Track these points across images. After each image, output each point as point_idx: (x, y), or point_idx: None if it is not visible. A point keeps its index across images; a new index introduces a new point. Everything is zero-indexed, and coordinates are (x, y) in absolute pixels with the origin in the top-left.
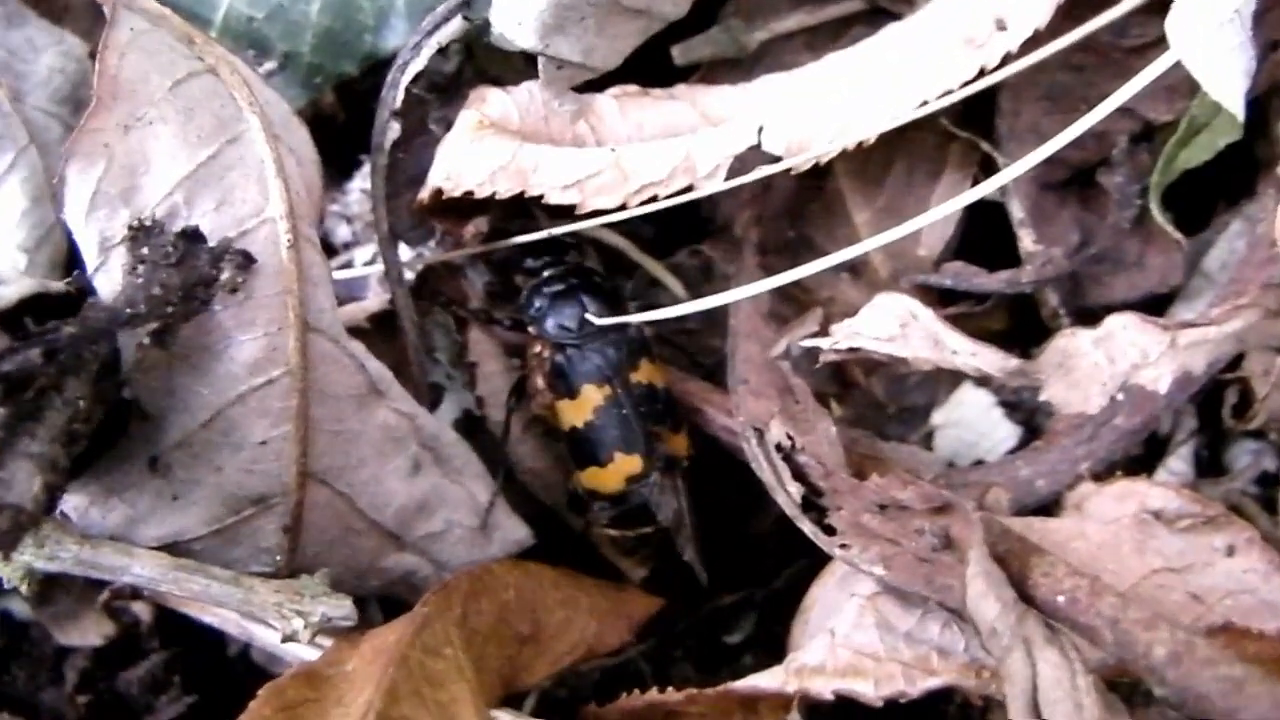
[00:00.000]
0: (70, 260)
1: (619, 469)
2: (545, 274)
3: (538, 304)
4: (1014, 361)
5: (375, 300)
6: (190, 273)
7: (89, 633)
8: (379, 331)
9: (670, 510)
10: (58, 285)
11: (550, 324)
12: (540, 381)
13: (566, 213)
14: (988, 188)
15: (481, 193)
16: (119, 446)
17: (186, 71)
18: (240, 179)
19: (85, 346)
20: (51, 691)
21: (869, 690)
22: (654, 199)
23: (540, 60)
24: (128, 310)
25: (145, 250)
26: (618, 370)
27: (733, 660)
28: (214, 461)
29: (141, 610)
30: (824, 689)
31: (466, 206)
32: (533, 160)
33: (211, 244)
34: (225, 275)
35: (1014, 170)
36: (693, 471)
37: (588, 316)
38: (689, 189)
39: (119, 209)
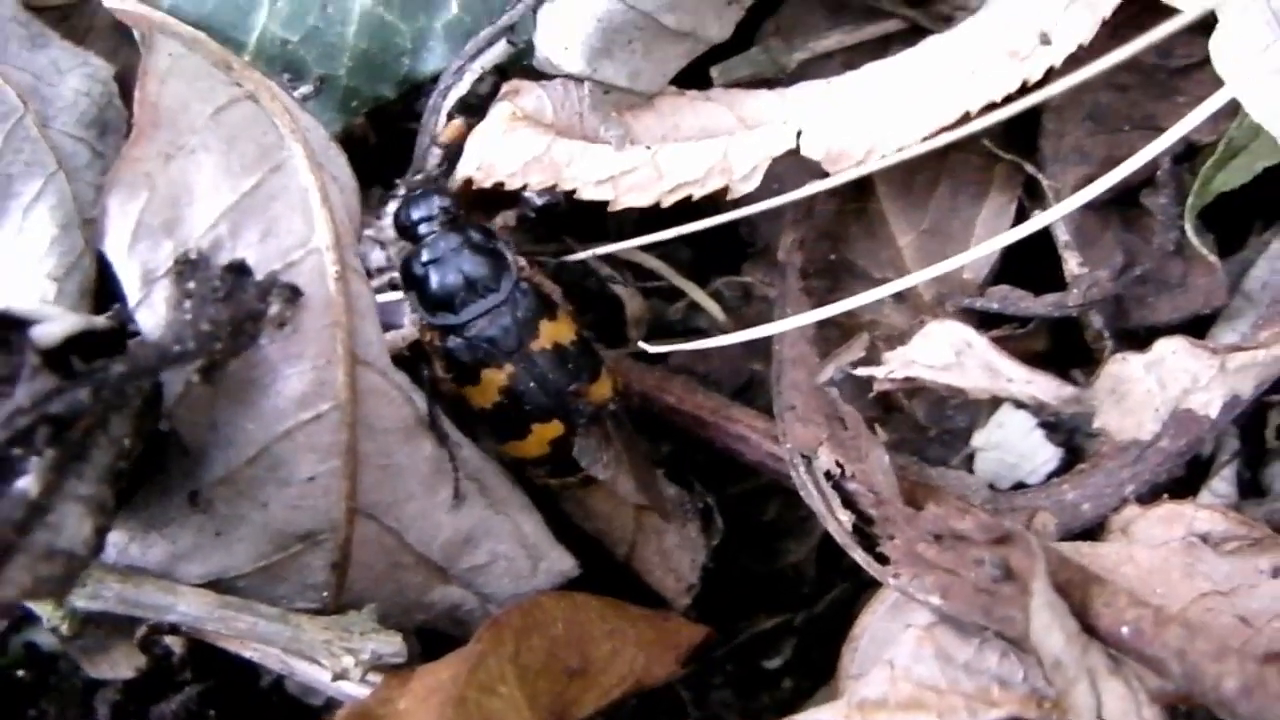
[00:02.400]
0: (99, 289)
1: (539, 437)
2: (420, 234)
3: (414, 280)
4: (1069, 389)
5: (414, 328)
6: (238, 308)
7: (120, 665)
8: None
9: (601, 464)
10: (102, 321)
11: (428, 310)
12: (439, 369)
13: (598, 235)
14: (1038, 223)
15: (513, 184)
16: (157, 481)
17: (227, 98)
18: (285, 209)
19: (132, 384)
20: None
21: None
22: (689, 199)
23: (587, 85)
24: (176, 347)
25: (192, 285)
26: (516, 346)
27: (772, 685)
28: (259, 498)
29: (174, 643)
30: None
31: (496, 200)
32: (566, 154)
33: (258, 277)
34: (273, 310)
35: (1066, 206)
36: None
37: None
38: (725, 191)
39: (162, 241)
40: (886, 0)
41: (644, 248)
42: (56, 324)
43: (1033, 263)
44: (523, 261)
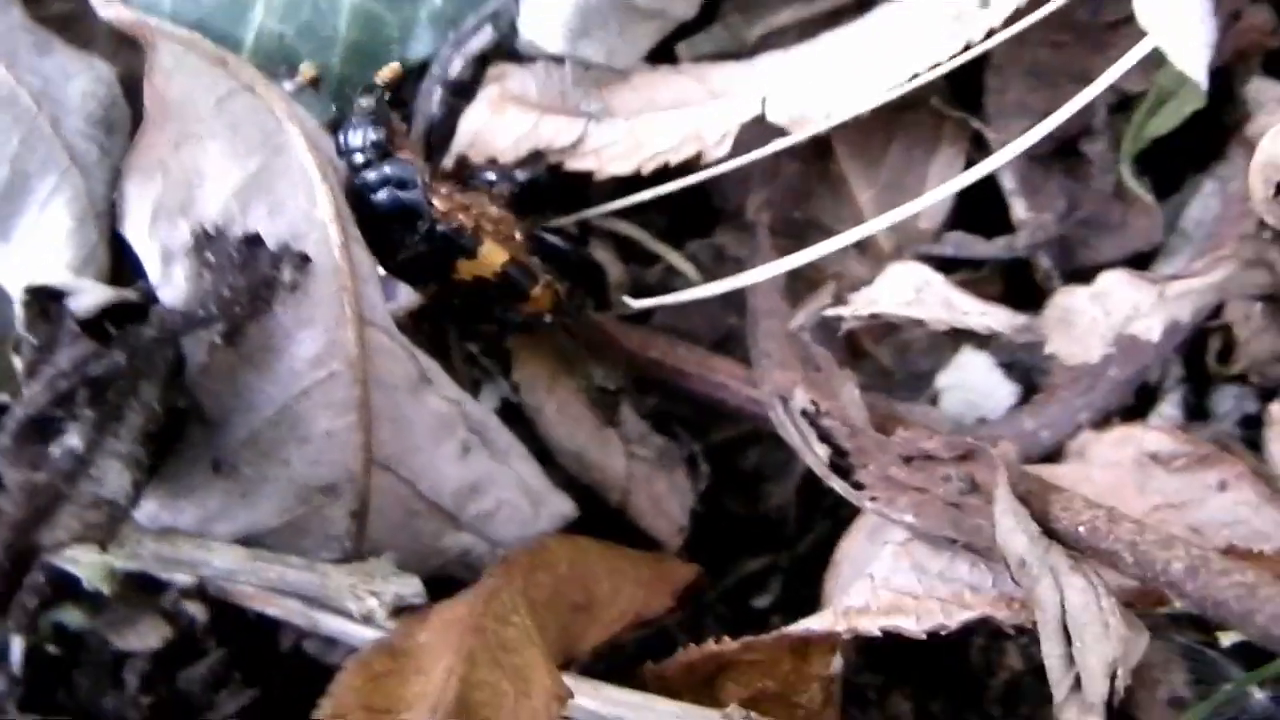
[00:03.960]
0: (114, 277)
1: None
2: (353, 163)
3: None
4: (1021, 318)
5: (410, 298)
6: (254, 274)
7: (147, 636)
8: (414, 327)
9: None
10: (130, 294)
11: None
12: None
13: (579, 203)
14: (984, 168)
15: (505, 159)
16: (180, 453)
17: (227, 90)
18: (288, 187)
19: (159, 349)
20: (114, 696)
21: (912, 625)
22: (665, 165)
23: (568, 63)
24: (200, 312)
25: (210, 256)
26: (434, 279)
27: (761, 624)
28: (281, 455)
29: (197, 611)
30: (871, 626)
31: (516, 205)
32: (552, 130)
33: (271, 247)
34: (286, 275)
35: (1009, 151)
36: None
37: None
38: (699, 158)
39: (178, 221)
40: None
41: (621, 214)
42: (90, 295)
43: (983, 211)
44: (442, 204)
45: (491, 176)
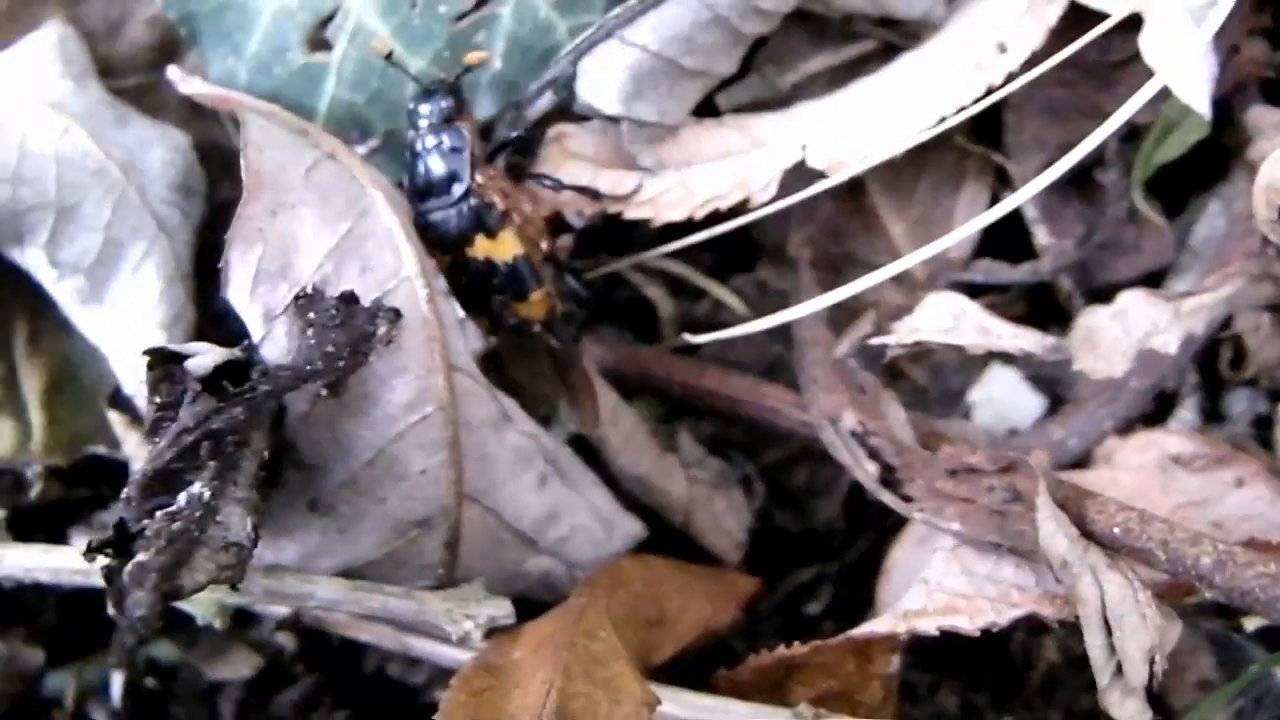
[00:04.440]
0: (199, 334)
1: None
2: (416, 126)
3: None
4: (1050, 340)
5: (481, 343)
6: (352, 331)
7: (239, 666)
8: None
9: (519, 366)
10: (239, 353)
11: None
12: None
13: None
14: (1009, 204)
15: (568, 212)
16: (277, 496)
17: (313, 159)
18: (376, 246)
19: (273, 402)
20: None
21: (966, 624)
22: (716, 212)
23: (624, 124)
24: (307, 368)
25: (312, 315)
26: (453, 246)
27: (813, 630)
28: (378, 494)
29: (286, 640)
30: (928, 627)
31: (552, 227)
32: (611, 183)
33: (365, 304)
34: (381, 330)
35: (1030, 189)
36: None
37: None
38: (746, 202)
39: (279, 284)
40: (862, 23)
41: (671, 255)
42: (208, 356)
43: (1007, 239)
44: (484, 179)
45: (547, 182)
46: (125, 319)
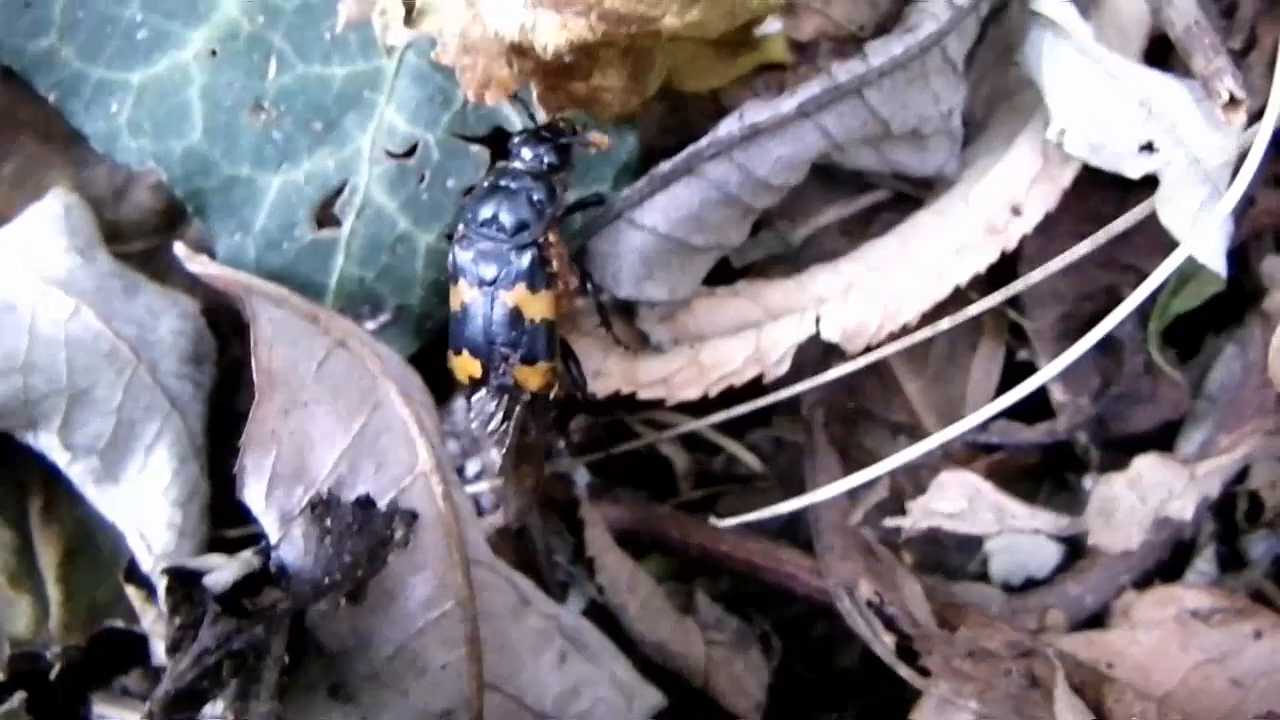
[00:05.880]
0: (213, 510)
1: (462, 365)
2: (509, 154)
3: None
4: (1065, 520)
5: (498, 516)
6: (370, 536)
7: None
8: (500, 539)
9: (488, 429)
10: (255, 561)
11: (468, 203)
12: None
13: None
14: (1031, 384)
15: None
16: (298, 680)
17: (324, 352)
18: (390, 443)
19: (291, 614)
20: None
21: None
22: (730, 388)
23: (638, 306)
24: (326, 579)
25: (329, 522)
26: (489, 283)
27: None
28: (400, 686)
29: None
30: None
31: (567, 407)
32: (623, 364)
33: (380, 506)
34: (399, 534)
35: (1054, 367)
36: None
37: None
38: (760, 377)
39: (294, 487)
40: (872, 174)
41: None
42: (225, 572)
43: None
44: (553, 238)
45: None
46: (140, 497)
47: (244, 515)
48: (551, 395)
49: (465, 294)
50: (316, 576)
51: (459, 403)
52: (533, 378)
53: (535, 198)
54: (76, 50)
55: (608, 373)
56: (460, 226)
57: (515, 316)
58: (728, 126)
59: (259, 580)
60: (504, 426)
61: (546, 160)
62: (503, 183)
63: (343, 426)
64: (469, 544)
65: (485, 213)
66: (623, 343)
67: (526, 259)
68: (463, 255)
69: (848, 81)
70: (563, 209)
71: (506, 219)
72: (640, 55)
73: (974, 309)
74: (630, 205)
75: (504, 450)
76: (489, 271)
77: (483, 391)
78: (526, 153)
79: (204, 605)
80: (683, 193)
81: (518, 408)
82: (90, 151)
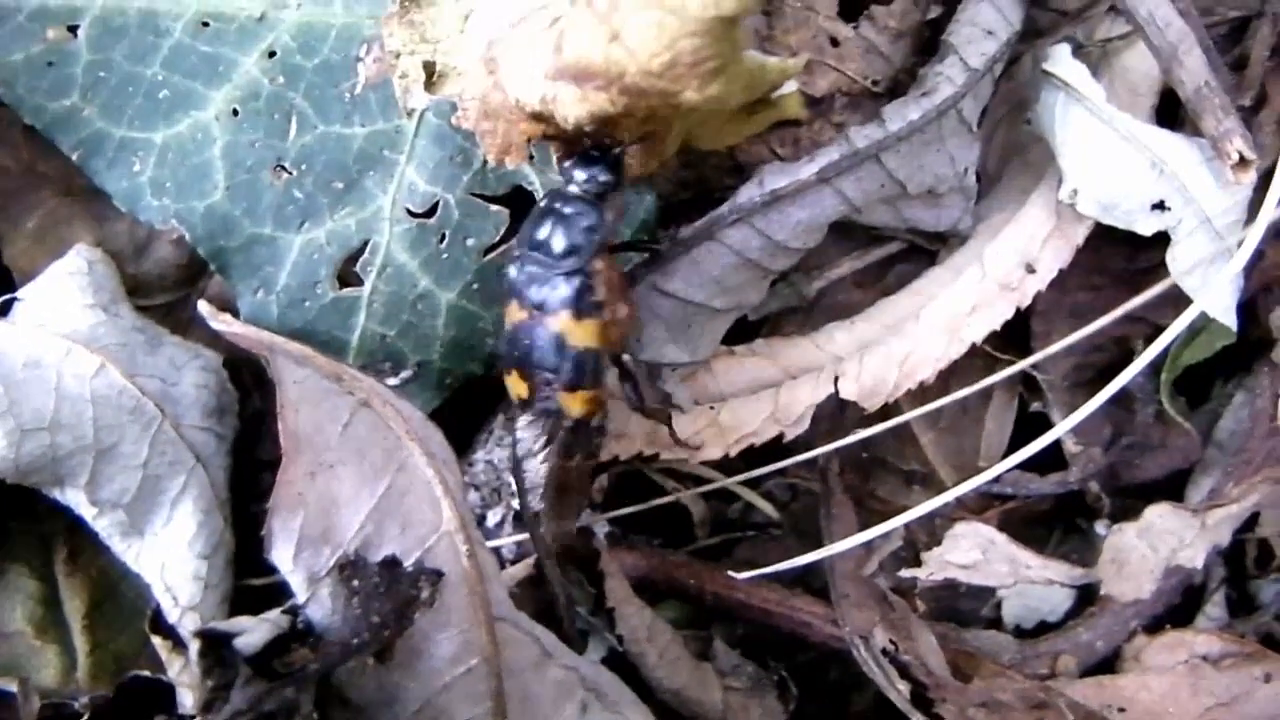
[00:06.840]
0: (238, 558)
1: (514, 383)
2: (565, 178)
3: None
4: (1078, 570)
5: (520, 568)
6: (397, 598)
7: None
8: (522, 590)
9: (530, 450)
10: (283, 621)
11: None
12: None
13: None
14: (1044, 441)
15: (605, 458)
16: None
17: (349, 413)
18: (415, 502)
19: (319, 674)
20: None
21: None
22: (751, 446)
23: (662, 369)
24: (354, 640)
25: (356, 584)
26: (536, 307)
27: None
28: None
29: None
30: None
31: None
32: (645, 427)
33: (406, 565)
34: (425, 594)
35: (1066, 425)
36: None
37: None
38: (780, 436)
39: (321, 548)
40: (887, 229)
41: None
42: (255, 634)
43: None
44: (601, 265)
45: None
46: (165, 550)
47: (267, 565)
48: (593, 423)
49: (515, 315)
50: (345, 637)
51: (479, 454)
52: (576, 404)
53: (585, 224)
54: (99, 110)
55: (631, 434)
56: (515, 247)
57: (559, 342)
58: (748, 193)
59: (288, 640)
60: (545, 451)
61: (601, 179)
62: (556, 205)
63: (368, 488)
64: (493, 600)
65: (538, 235)
66: (650, 415)
67: (572, 285)
68: (516, 275)
69: (866, 147)
70: (613, 236)
71: (556, 243)
72: (660, 122)
73: (990, 380)
74: (653, 271)
75: (545, 474)
76: (537, 294)
77: (528, 414)
78: (580, 174)
79: (235, 667)
80: (704, 258)
81: (561, 433)
82: (112, 206)
